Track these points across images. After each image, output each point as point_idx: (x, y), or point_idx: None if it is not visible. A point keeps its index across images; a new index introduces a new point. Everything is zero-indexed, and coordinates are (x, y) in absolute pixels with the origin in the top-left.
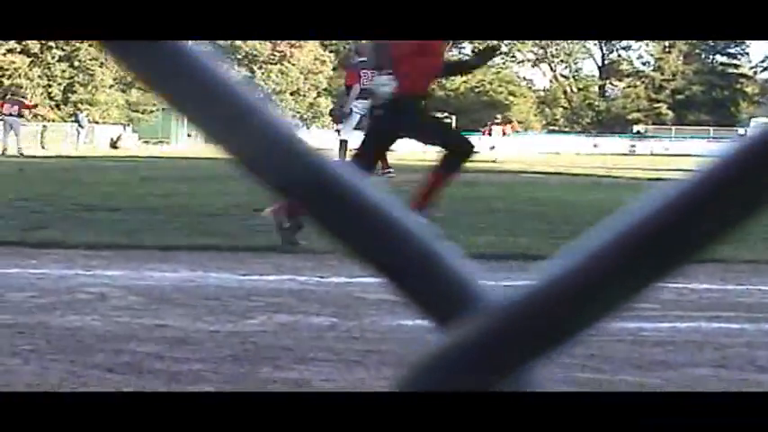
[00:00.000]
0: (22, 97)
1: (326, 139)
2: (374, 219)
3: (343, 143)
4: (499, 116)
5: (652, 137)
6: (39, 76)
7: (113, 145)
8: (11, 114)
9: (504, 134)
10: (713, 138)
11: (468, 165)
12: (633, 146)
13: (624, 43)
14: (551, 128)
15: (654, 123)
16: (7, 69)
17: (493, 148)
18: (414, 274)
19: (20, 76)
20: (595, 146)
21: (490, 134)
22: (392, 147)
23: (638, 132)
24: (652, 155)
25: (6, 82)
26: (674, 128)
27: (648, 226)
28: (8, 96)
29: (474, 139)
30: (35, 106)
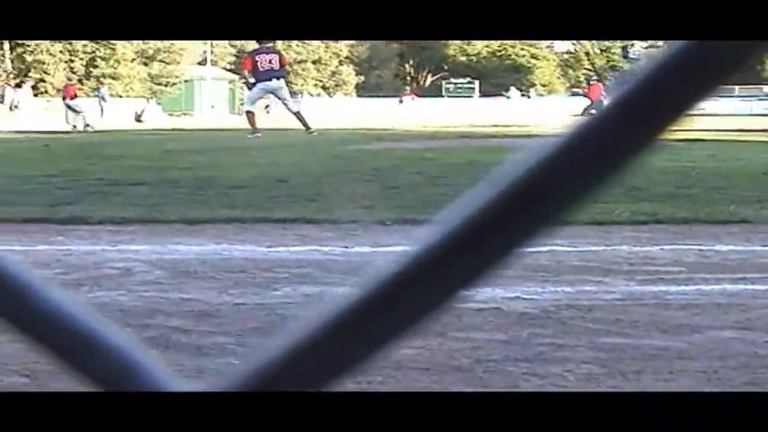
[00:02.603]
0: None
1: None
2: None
3: (249, 114)
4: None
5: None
6: (60, 52)
7: (138, 118)
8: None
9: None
10: (739, 97)
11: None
12: None
13: None
14: (575, 90)
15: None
16: (29, 46)
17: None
18: (72, 348)
19: (42, 52)
20: None
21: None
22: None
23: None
24: None
25: (29, 58)
26: None
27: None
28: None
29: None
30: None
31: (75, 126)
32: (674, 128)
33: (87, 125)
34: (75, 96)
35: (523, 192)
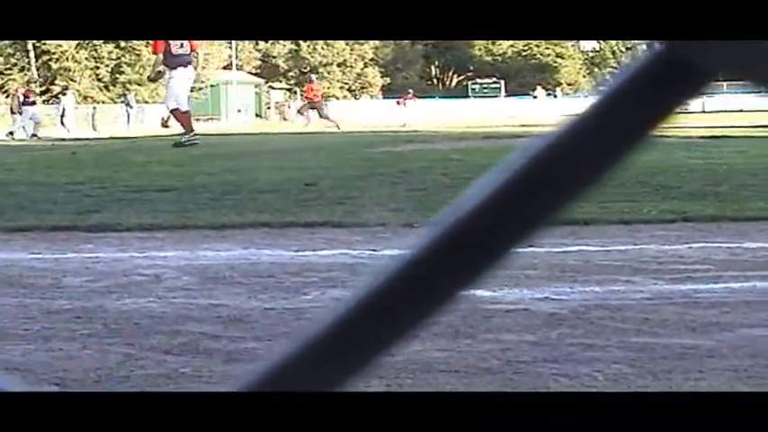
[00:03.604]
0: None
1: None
2: None
3: (174, 111)
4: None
5: (704, 94)
6: (86, 59)
7: (164, 124)
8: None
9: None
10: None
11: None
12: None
13: None
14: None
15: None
16: (54, 53)
17: None
18: None
19: (67, 59)
20: None
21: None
22: None
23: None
24: (704, 112)
25: (55, 66)
26: (724, 83)
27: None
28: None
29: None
30: None
31: (12, 134)
32: (665, 125)
33: (34, 134)
34: (33, 102)
35: (518, 189)
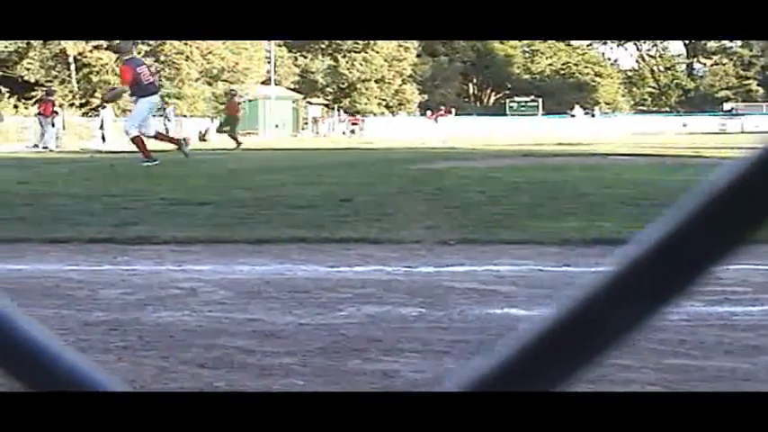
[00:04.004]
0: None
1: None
2: None
3: (135, 138)
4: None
5: (742, 114)
6: None
7: (202, 138)
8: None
9: None
10: None
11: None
12: (723, 124)
13: None
14: (639, 108)
15: (744, 101)
16: (95, 66)
17: None
18: None
19: (107, 72)
20: (684, 125)
21: None
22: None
23: (730, 110)
24: (743, 132)
25: (95, 79)
26: (764, 105)
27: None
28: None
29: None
30: None
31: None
32: None
33: (45, 146)
34: (53, 114)
35: (717, 211)
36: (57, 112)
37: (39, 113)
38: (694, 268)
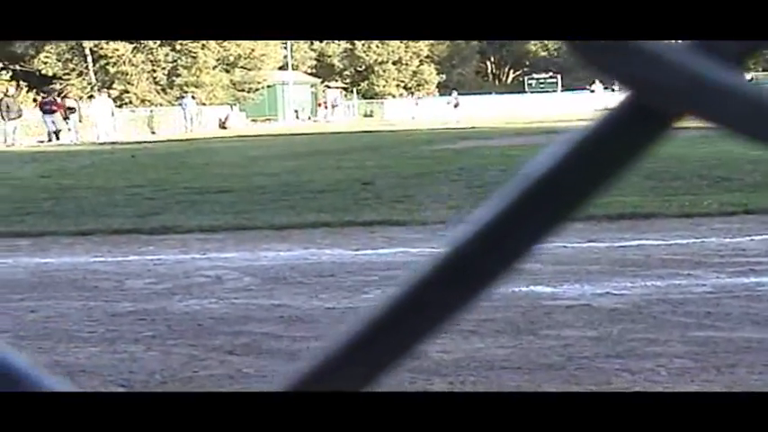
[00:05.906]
0: None
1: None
2: None
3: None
4: None
5: (764, 83)
6: (142, 62)
7: (222, 125)
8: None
9: None
10: None
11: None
12: None
13: None
14: None
15: (764, 69)
16: (111, 57)
17: None
18: None
19: (124, 63)
20: None
21: None
22: None
23: (750, 80)
24: None
25: (112, 70)
26: None
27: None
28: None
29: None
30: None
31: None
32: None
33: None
34: (52, 110)
35: (541, 188)
36: (73, 108)
37: (45, 111)
38: (519, 247)
